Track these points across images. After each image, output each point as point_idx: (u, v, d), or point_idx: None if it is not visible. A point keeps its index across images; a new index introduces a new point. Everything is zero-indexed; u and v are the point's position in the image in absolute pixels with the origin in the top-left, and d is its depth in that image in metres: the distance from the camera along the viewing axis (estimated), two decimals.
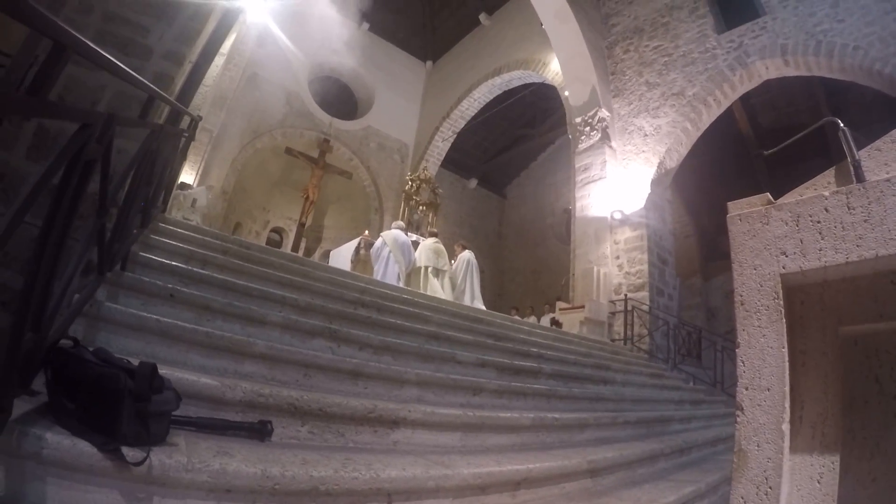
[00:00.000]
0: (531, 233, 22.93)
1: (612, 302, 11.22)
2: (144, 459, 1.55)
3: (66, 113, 1.88)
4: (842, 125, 1.66)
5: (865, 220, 1.32)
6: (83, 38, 1.56)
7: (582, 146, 12.89)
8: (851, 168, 1.53)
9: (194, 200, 11.45)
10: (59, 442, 1.51)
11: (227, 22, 5.78)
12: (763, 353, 1.44)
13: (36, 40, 1.50)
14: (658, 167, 11.79)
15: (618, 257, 11.66)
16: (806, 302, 1.50)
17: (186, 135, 5.80)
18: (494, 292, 22.22)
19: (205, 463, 1.70)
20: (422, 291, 8.79)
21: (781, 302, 1.43)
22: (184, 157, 7.35)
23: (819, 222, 1.40)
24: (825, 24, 9.59)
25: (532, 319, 12.69)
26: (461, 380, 3.83)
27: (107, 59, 1.91)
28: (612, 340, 10.44)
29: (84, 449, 1.53)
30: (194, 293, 3.32)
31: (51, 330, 1.81)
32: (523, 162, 24.23)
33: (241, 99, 15.60)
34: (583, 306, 10.84)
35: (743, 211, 1.57)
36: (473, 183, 23.69)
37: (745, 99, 12.96)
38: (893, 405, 1.37)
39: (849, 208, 1.36)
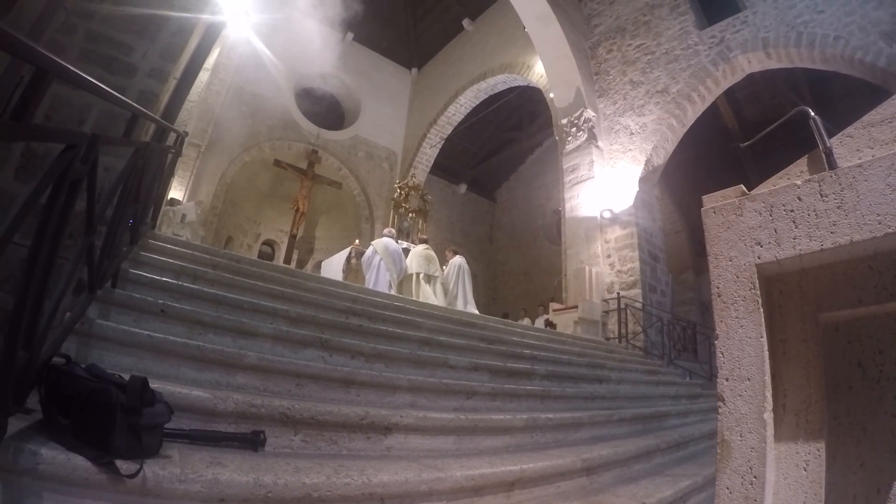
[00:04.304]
0: (522, 235, 23.00)
1: (606, 301, 11.26)
2: (138, 472, 1.56)
3: (50, 135, 1.89)
4: (812, 114, 1.67)
5: (839, 207, 1.32)
6: (64, 63, 1.57)
7: (569, 147, 12.98)
8: (823, 156, 1.54)
9: (184, 216, 11.45)
10: (54, 457, 1.53)
11: (210, 37, 5.80)
12: (742, 343, 1.44)
13: (19, 64, 1.52)
14: (645, 165, 11.86)
15: (609, 256, 11.72)
16: (784, 291, 1.51)
17: (173, 151, 5.80)
18: (488, 296, 22.23)
19: (198, 473, 1.71)
20: (414, 298, 8.79)
21: (758, 292, 1.44)
22: (172, 173, 7.35)
23: (792, 211, 1.41)
24: (805, 15, 9.72)
25: (526, 321, 12.70)
26: (454, 384, 3.84)
27: (88, 82, 1.92)
28: (607, 339, 10.46)
29: (79, 463, 1.54)
30: (185, 308, 3.33)
31: (43, 348, 1.82)
32: (512, 165, 24.32)
33: (228, 113, 15.55)
34: (576, 306, 10.90)
35: (717, 203, 1.58)
36: (463, 188, 23.76)
37: (730, 93, 13.05)
38: (878, 389, 1.36)
39: (821, 196, 1.36)
